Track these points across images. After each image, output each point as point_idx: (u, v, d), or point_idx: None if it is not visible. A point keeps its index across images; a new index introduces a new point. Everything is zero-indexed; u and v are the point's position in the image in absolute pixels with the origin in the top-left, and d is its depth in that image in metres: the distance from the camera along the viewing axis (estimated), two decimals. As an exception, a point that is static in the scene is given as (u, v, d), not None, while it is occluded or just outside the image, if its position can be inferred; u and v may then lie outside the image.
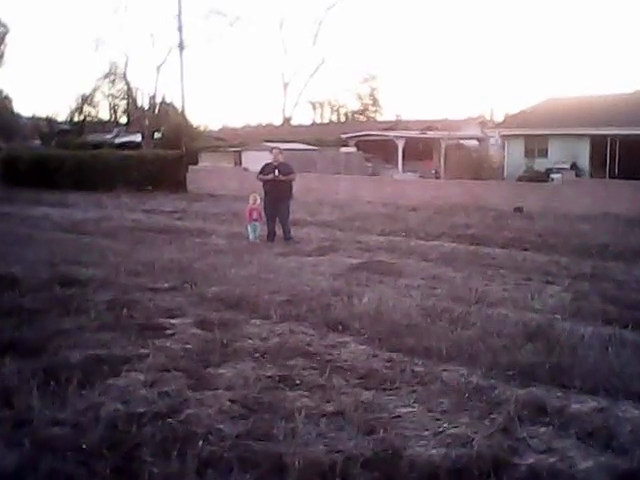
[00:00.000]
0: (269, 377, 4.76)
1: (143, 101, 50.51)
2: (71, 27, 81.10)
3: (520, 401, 4.23)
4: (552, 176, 27.81)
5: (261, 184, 12.74)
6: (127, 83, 47.29)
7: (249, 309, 6.90)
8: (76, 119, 58.30)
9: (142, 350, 5.43)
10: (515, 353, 5.21)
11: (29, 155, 32.91)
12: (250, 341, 5.72)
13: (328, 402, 4.30)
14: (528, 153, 30.68)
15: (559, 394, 4.47)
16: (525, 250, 11.72)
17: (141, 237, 13.48)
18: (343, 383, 4.68)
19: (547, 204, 18.10)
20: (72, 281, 8.40)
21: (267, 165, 12.68)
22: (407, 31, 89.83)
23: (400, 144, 31.24)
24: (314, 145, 29.29)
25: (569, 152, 29.32)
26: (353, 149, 30.19)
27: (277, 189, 12.36)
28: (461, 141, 35.09)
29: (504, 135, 32.35)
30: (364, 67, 69.99)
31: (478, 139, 36.64)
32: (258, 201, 12.86)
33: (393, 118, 49.41)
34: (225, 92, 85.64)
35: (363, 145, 31.46)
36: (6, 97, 59.31)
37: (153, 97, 46.73)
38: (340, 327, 6.13)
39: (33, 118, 59.80)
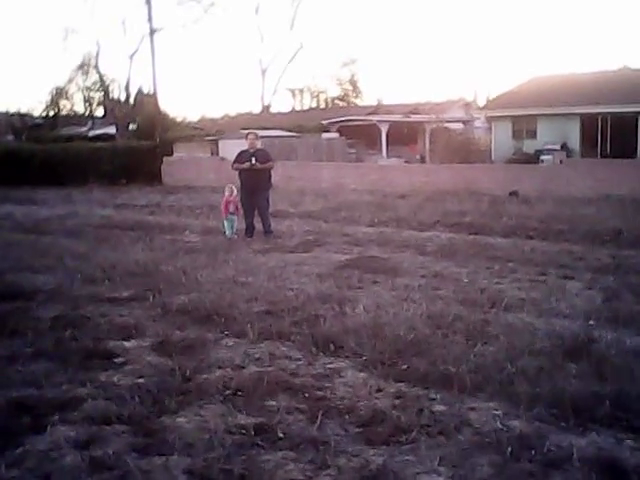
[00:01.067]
0: (242, 428, 3.59)
1: (118, 92, 49.03)
2: (41, 17, 78.70)
3: (585, 458, 3.09)
4: (542, 157, 26.85)
5: (237, 174, 11.54)
6: (99, 73, 45.64)
7: (221, 324, 5.72)
8: (50, 113, 56.73)
9: (81, 390, 4.24)
10: (558, 379, 4.08)
11: (-4, 150, 31.35)
12: (219, 371, 4.54)
13: (321, 469, 3.14)
14: (516, 134, 29.69)
15: (631, 442, 3.34)
16: (530, 238, 10.62)
17: (107, 235, 12.21)
18: (341, 434, 3.52)
19: (543, 187, 17.06)
20: (16, 293, 7.17)
21: (242, 153, 11.46)
22: (387, 12, 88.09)
23: (384, 129, 30.09)
24: (295, 132, 28.03)
25: (559, 132, 28.35)
26: (335, 135, 29.00)
27: (254, 178, 11.15)
28: (446, 124, 34.01)
29: (490, 117, 31.33)
30: (344, 51, 68.38)
31: (463, 122, 35.58)
32: (235, 193, 11.66)
33: (375, 103, 48.20)
34: (202, 82, 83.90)
35: (345, 131, 30.26)
36: None
37: (127, 87, 45.16)
38: (332, 347, 4.98)
39: (6, 113, 58.12)
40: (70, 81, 54.33)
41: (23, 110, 56.05)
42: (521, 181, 17.95)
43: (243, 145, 11.68)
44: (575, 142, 28.08)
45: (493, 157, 29.29)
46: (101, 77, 45.74)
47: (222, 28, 67.52)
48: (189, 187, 23.40)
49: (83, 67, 50.38)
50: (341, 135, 28.91)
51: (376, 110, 39.54)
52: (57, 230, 13.39)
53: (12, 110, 56.72)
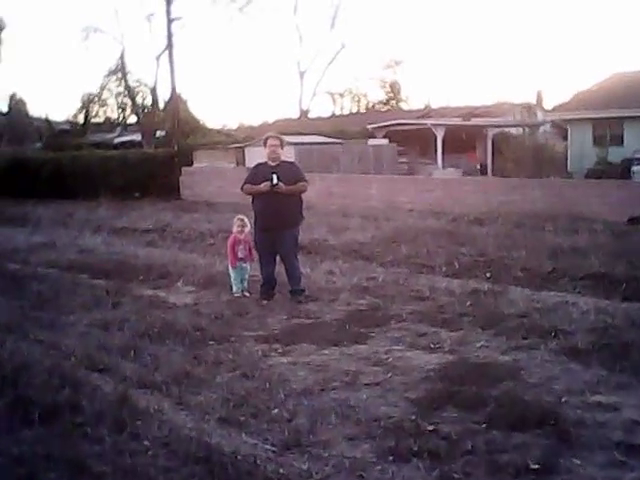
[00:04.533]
0: None
1: (145, 97, 45.76)
2: (72, 21, 75.95)
3: None
4: (634, 169, 22.20)
5: (250, 200, 7.51)
6: (124, 75, 42.36)
7: None
8: (81, 119, 54.12)
9: None
10: None
11: (5, 159, 28.09)
12: None
13: None
14: (598, 141, 25.05)
15: None
16: None
17: (61, 288, 8.32)
18: None
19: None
20: None
21: (259, 167, 7.43)
22: (434, 9, 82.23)
23: (439, 134, 25.79)
24: (336, 138, 23.97)
25: (651, 138, 23.65)
26: (384, 141, 24.79)
27: (276, 208, 7.09)
28: (507, 129, 29.56)
29: (564, 120, 26.74)
30: (387, 52, 63.77)
31: (527, 126, 31.04)
32: (247, 228, 7.65)
33: (421, 107, 43.88)
34: (238, 87, 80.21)
35: (394, 137, 26.06)
36: (20, 100, 55.29)
37: (153, 91, 41.73)
38: None
39: (35, 119, 55.85)
40: (102, 87, 51.48)
41: (52, 116, 53.61)
42: (633, 201, 13.54)
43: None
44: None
45: (569, 167, 24.75)
46: (125, 79, 42.37)
47: (258, 29, 63.71)
48: (209, 204, 19.55)
49: (115, 72, 47.38)
50: (390, 141, 24.70)
51: (426, 114, 35.25)
52: (4, 274, 9.56)
53: (40, 116, 54.37)
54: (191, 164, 22.72)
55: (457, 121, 28.03)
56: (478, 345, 5.41)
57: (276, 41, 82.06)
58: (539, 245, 10.07)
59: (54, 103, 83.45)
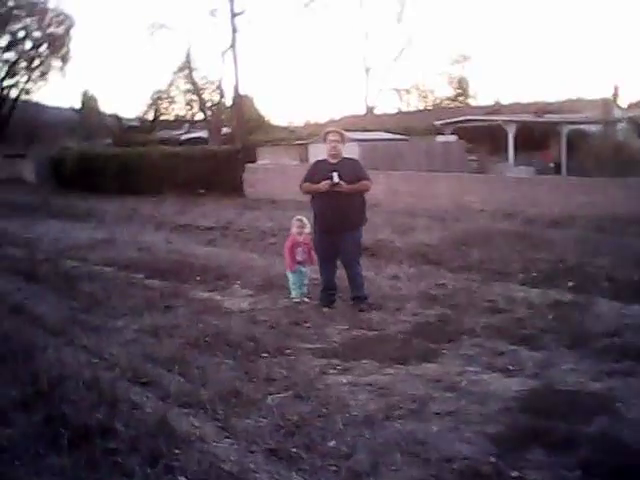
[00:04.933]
0: None
1: (211, 93, 45.97)
2: (139, 18, 77.11)
3: None
4: None
5: (309, 200, 7.01)
6: (190, 72, 42.62)
7: None
8: (150, 116, 55.00)
9: None
10: None
11: (73, 155, 28.61)
12: None
13: None
14: (682, 138, 23.51)
15: None
16: None
17: (115, 288, 8.02)
18: None
19: None
20: None
21: (318, 165, 6.92)
22: (504, 2, 79.70)
23: (511, 131, 24.74)
24: (402, 135, 23.26)
25: None
26: (453, 137, 23.92)
27: (337, 208, 6.56)
28: (582, 126, 28.13)
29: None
30: (456, 47, 61.98)
31: (605, 123, 29.49)
32: (307, 230, 7.15)
33: (490, 103, 42.44)
34: (305, 84, 79.82)
35: (462, 133, 25.11)
36: (92, 97, 56.68)
37: (219, 87, 41.81)
38: None
39: (109, 116, 57.08)
40: (171, 84, 52.10)
41: (123, 113, 54.59)
42: None
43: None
44: None
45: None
46: (192, 76, 42.64)
47: (324, 25, 63.07)
48: (272, 201, 19.20)
49: (183, 70, 47.81)
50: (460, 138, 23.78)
51: (496, 110, 34.02)
52: (59, 271, 9.35)
53: (111, 113, 55.45)
54: (254, 161, 22.45)
55: (529, 117, 26.82)
56: (565, 368, 4.74)
57: (342, 37, 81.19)
58: (624, 251, 9.22)
59: (124, 100, 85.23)
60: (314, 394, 4.31)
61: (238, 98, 28.50)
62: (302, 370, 4.80)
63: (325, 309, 6.68)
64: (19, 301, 7.44)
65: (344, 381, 4.61)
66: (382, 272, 8.55)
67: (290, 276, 7.17)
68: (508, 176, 18.94)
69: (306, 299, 7.08)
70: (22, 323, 6.30)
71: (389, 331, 5.83)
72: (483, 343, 5.39)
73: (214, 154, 22.77)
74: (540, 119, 26.80)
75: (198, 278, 8.65)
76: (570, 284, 7.45)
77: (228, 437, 3.73)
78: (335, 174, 6.50)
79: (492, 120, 25.70)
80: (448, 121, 27.36)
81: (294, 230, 7.20)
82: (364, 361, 5.00)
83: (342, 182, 6.52)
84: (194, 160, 22.60)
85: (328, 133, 6.87)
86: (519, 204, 14.33)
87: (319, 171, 6.73)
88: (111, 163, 25.66)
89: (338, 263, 6.95)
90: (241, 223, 14.97)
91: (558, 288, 7.33)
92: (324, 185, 6.53)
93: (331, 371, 4.83)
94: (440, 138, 23.83)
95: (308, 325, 6.12)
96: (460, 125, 26.67)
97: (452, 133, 25.70)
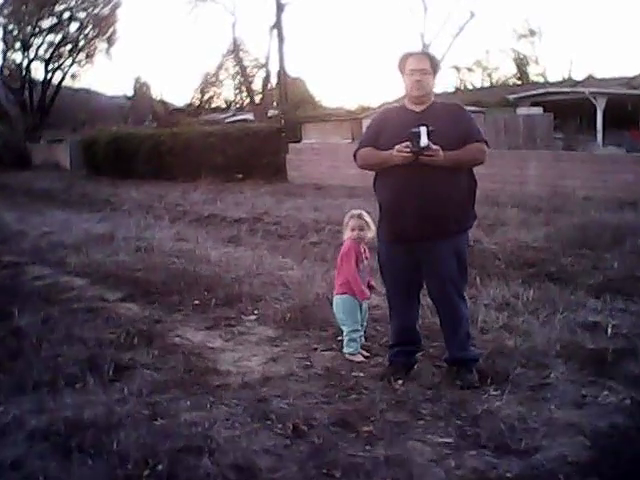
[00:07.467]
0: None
1: (258, 74, 43.18)
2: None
3: None
4: None
5: (372, 179, 3.87)
6: (237, 52, 39.82)
7: None
8: (197, 99, 52.98)
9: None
10: None
11: (105, 138, 26.13)
12: None
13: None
14: None
15: None
16: None
17: (56, 326, 5.09)
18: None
19: None
20: None
21: (387, 116, 3.75)
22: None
23: (600, 105, 21.04)
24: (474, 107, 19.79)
25: None
26: (537, 109, 20.34)
27: (423, 195, 3.42)
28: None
29: None
30: (521, 22, 57.34)
31: None
32: (371, 232, 4.04)
33: (559, 80, 38.29)
34: (358, 65, 76.10)
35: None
36: (144, 83, 55.03)
37: (265, 66, 38.83)
38: None
39: (150, 98, 55.38)
40: (220, 67, 49.70)
41: (173, 99, 52.99)
42: None
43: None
44: None
45: None
46: (239, 56, 39.87)
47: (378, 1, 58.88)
48: (318, 187, 16.20)
49: (233, 52, 45.23)
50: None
51: (576, 84, 30.10)
52: (16, 284, 6.49)
53: (159, 98, 53.56)
54: (299, 140, 19.39)
55: (621, 89, 23.01)
56: None
57: (399, 11, 76.97)
58: None
59: (175, 85, 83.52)
60: None
61: (283, 74, 25.56)
62: None
63: (399, 383, 3.57)
64: None
65: None
66: (480, 295, 5.40)
67: (340, 308, 4.09)
68: (619, 154, 15.39)
69: (363, 359, 4.00)
70: None
71: (546, 453, 2.68)
72: None
73: (253, 133, 19.75)
74: (635, 91, 22.94)
75: (197, 302, 5.68)
76: None
77: None
78: (423, 129, 3.34)
79: (578, 92, 21.99)
80: (524, 94, 23.75)
81: (348, 232, 4.09)
82: None
83: (435, 146, 3.37)
84: (230, 139, 19.66)
85: (409, 57, 3.68)
86: (629, 189, 10.93)
87: (390, 128, 3.57)
88: (144, 145, 23.05)
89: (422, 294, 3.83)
90: (277, 214, 11.99)
91: None
92: (401, 152, 3.39)
93: None
94: (522, 110, 20.28)
95: (370, 429, 3.02)
96: (538, 99, 23.06)
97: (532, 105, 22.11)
